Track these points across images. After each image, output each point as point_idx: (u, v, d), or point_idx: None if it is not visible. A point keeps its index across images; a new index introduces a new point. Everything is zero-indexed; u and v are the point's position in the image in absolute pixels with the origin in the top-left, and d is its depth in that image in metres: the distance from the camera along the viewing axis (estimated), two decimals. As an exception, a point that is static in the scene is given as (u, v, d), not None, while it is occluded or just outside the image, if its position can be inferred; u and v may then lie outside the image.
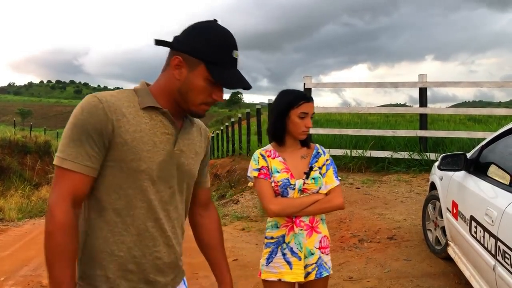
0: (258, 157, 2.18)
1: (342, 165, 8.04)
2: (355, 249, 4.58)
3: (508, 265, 2.45)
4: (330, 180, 2.19)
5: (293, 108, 2.12)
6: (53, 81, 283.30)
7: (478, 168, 3.34)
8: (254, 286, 3.97)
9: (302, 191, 2.13)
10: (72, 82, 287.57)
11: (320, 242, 2.19)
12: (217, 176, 13.75)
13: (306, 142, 2.24)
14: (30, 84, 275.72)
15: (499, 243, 2.59)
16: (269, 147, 2.24)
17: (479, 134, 7.86)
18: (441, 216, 4.02)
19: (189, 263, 4.67)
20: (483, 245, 2.87)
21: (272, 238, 2.19)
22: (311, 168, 2.17)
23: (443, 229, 4.02)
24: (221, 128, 22.65)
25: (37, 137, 20.89)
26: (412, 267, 4.00)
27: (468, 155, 3.58)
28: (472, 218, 3.09)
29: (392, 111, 12.21)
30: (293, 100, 2.13)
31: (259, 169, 2.16)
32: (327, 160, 2.23)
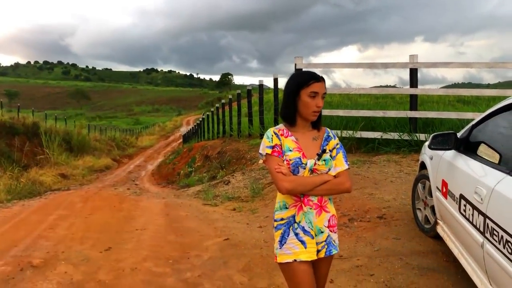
0: (272, 135, 2.18)
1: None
2: (345, 228, 4.62)
3: (496, 242, 2.49)
4: (340, 163, 2.21)
5: (303, 88, 2.13)
6: (40, 62, 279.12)
7: (468, 147, 3.36)
8: (245, 265, 4.00)
9: (312, 171, 2.15)
10: (60, 63, 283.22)
11: (329, 220, 2.22)
12: (208, 157, 13.75)
13: (317, 124, 2.25)
14: (17, 65, 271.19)
15: (487, 221, 2.62)
16: (281, 126, 2.24)
17: (468, 115, 7.90)
18: (431, 195, 4.06)
19: (181, 242, 4.70)
20: (472, 223, 2.90)
21: (282, 219, 2.20)
22: (323, 151, 2.19)
23: (432, 208, 4.06)
24: (212, 109, 22.56)
25: (25, 119, 20.64)
26: (401, 246, 4.05)
27: (459, 134, 3.60)
28: (462, 196, 3.12)
29: (383, 92, 12.21)
30: (303, 80, 2.15)
31: (272, 147, 2.16)
32: (337, 144, 2.26)
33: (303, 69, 8.72)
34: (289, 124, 2.22)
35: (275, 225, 2.24)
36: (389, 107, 12.03)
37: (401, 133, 8.02)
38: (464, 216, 3.06)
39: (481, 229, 2.72)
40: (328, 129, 2.30)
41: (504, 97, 5.51)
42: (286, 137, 2.18)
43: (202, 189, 8.33)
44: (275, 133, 2.19)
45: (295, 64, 8.67)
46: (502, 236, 2.41)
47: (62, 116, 37.86)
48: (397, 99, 17.17)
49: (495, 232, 2.51)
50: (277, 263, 2.22)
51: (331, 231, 2.22)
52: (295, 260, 2.14)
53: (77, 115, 74.11)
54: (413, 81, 8.19)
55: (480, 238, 2.74)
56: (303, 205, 2.16)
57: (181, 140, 36.06)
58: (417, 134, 7.88)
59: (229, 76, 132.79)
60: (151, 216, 6.02)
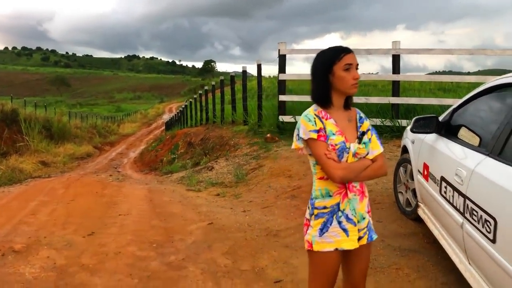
0: (314, 118, 2.05)
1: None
2: (328, 212, 4.67)
3: (475, 221, 2.54)
4: (376, 146, 2.14)
5: (336, 63, 2.03)
6: (19, 48, 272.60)
7: (449, 131, 3.41)
8: (229, 248, 4.02)
9: (354, 155, 2.07)
10: (39, 49, 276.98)
11: (368, 205, 2.18)
12: (191, 144, 13.70)
13: (349, 103, 2.15)
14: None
15: (467, 202, 2.68)
16: (317, 107, 2.11)
17: (449, 101, 8.01)
18: (412, 179, 4.12)
19: (164, 227, 4.70)
20: (452, 204, 2.96)
21: (325, 207, 2.08)
22: (363, 133, 2.11)
23: (413, 191, 4.12)
24: (195, 96, 22.42)
25: (4, 105, 20.18)
26: (383, 228, 4.12)
27: (440, 118, 3.65)
28: (443, 178, 3.18)
29: (367, 78, 12.28)
30: (333, 55, 2.05)
31: (317, 131, 2.03)
32: (370, 126, 2.18)
33: (287, 55, 8.73)
34: (324, 105, 2.09)
35: (315, 213, 2.09)
36: (371, 95, 12.12)
37: (383, 119, 8.11)
38: (445, 198, 3.12)
39: (461, 210, 2.78)
40: (357, 109, 2.21)
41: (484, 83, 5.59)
42: (326, 119, 2.06)
43: (186, 175, 8.31)
44: (317, 116, 2.05)
45: (279, 50, 8.66)
46: (481, 216, 2.47)
47: (41, 103, 37.19)
48: (379, 87, 17.28)
49: (474, 212, 2.57)
50: (309, 251, 2.13)
51: (370, 216, 2.19)
52: (336, 249, 2.06)
53: (57, 102, 72.90)
54: (396, 68, 8.27)
55: (460, 218, 2.80)
56: (348, 191, 2.07)
57: (163, 127, 35.82)
58: (399, 120, 7.98)
59: (212, 63, 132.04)
60: (134, 201, 6.00)
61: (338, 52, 2.06)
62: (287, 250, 3.95)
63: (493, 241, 2.32)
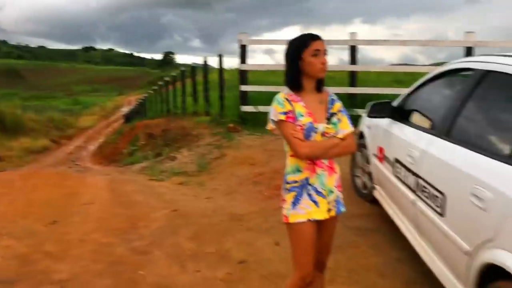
0: (283, 101, 2.21)
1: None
2: (290, 197, 4.82)
3: (426, 198, 2.74)
4: (346, 126, 2.28)
5: (305, 49, 2.17)
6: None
7: (403, 115, 3.61)
8: (194, 233, 4.10)
9: (323, 134, 2.23)
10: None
11: (337, 181, 2.34)
12: (152, 135, 13.57)
13: (321, 86, 2.30)
14: None
15: (419, 180, 2.87)
16: (288, 91, 2.26)
17: (403, 91, 8.29)
18: (368, 163, 4.32)
19: (128, 215, 4.72)
20: (405, 184, 3.16)
21: (295, 182, 2.25)
22: (332, 114, 2.26)
23: (369, 174, 4.33)
24: (155, 87, 22.16)
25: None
26: (341, 210, 4.29)
27: (394, 103, 3.85)
28: (396, 160, 3.37)
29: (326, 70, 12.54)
30: (302, 41, 2.20)
31: (286, 113, 2.19)
32: (341, 107, 2.33)
33: (248, 46, 8.82)
34: (296, 89, 2.25)
35: (287, 188, 2.28)
36: (329, 85, 12.37)
37: (341, 109, 8.34)
38: (399, 178, 3.31)
39: (413, 188, 2.97)
40: (330, 91, 2.37)
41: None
42: (295, 102, 2.22)
43: (147, 166, 8.28)
44: (287, 99, 2.21)
45: (240, 40, 8.73)
46: (430, 192, 2.66)
47: (-8, 97, 35.66)
48: (336, 79, 17.65)
49: (425, 189, 2.76)
50: (287, 224, 2.30)
51: (339, 191, 2.35)
52: (308, 220, 2.23)
53: (10, 94, 70.02)
54: (353, 58, 8.52)
55: (412, 196, 3.00)
56: (316, 167, 2.23)
57: (123, 120, 35.18)
58: (356, 110, 8.22)
59: (171, 55, 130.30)
60: (96, 191, 5.95)
61: (307, 39, 2.20)
62: (250, 233, 4.07)
63: (442, 215, 2.52)
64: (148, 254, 3.68)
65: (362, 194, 4.57)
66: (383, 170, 3.74)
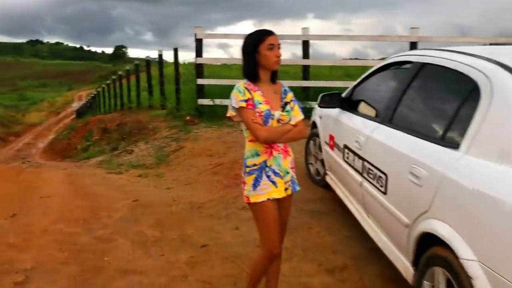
0: (243, 90, 2.43)
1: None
2: (248, 185, 5.05)
3: (372, 179, 3.03)
4: (297, 114, 2.56)
5: (260, 44, 2.41)
6: None
7: (351, 105, 3.90)
8: (156, 221, 4.24)
9: (278, 121, 2.47)
10: None
11: (291, 162, 2.60)
12: (107, 130, 13.47)
13: (275, 78, 2.55)
14: None
15: (365, 163, 3.16)
16: (247, 81, 2.49)
17: (353, 84, 8.73)
18: (321, 150, 4.60)
19: (90, 206, 4.80)
20: (353, 167, 3.45)
21: (255, 165, 2.48)
22: (286, 103, 2.53)
23: (322, 161, 4.61)
24: (108, 82, 21.77)
25: None
26: (296, 195, 4.46)
27: (343, 94, 4.14)
28: (345, 146, 3.66)
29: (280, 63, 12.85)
30: (258, 36, 2.44)
31: (246, 100, 2.41)
32: (293, 97, 2.60)
33: (203, 39, 8.95)
34: (253, 80, 2.48)
35: (247, 171, 2.50)
36: (284, 80, 12.71)
37: (295, 101, 8.65)
38: (347, 163, 3.60)
39: (360, 171, 3.26)
40: (283, 83, 2.63)
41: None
42: (254, 91, 2.44)
43: (105, 159, 8.28)
44: (246, 88, 2.44)
45: (195, 34, 8.85)
46: (375, 173, 2.95)
47: None
48: (291, 74, 18.04)
49: (370, 171, 3.05)
50: (249, 204, 2.52)
51: (293, 172, 2.62)
52: (268, 199, 2.46)
53: (-51, 90, 66.36)
54: (305, 53, 8.83)
55: (359, 178, 3.29)
56: (273, 151, 2.48)
57: (74, 116, 34.26)
58: (309, 102, 8.55)
59: (123, 49, 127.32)
60: (54, 185, 5.95)
61: (263, 34, 2.45)
62: (211, 219, 4.26)
63: (385, 193, 2.81)
64: (113, 242, 3.80)
65: (315, 180, 4.86)
66: (334, 156, 4.03)
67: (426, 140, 2.49)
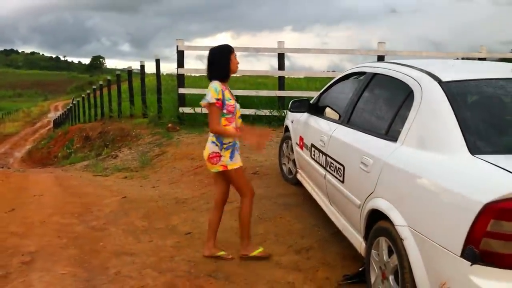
0: (220, 90, 3.35)
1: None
2: (227, 183, 5.55)
3: (332, 171, 3.58)
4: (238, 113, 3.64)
5: (231, 53, 3.45)
6: None
7: (317, 110, 4.47)
8: (144, 214, 4.71)
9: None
10: None
11: None
12: (88, 138, 13.78)
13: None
14: None
15: (328, 158, 3.71)
16: (219, 82, 3.40)
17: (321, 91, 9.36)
18: (292, 152, 5.15)
19: (81, 202, 5.22)
20: (318, 163, 3.99)
21: (230, 142, 3.44)
22: (237, 97, 3.66)
23: (293, 161, 5.15)
24: (88, 91, 22.00)
25: None
26: (271, 192, 5.09)
27: (311, 101, 4.70)
28: (312, 145, 4.21)
29: (256, 73, 13.43)
30: (230, 49, 3.48)
31: (218, 99, 3.33)
32: None
33: (184, 51, 9.48)
34: (226, 80, 3.46)
35: (225, 147, 3.43)
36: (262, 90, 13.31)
37: (271, 110, 9.23)
38: (314, 159, 4.15)
39: (324, 165, 3.81)
40: None
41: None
42: (224, 90, 3.40)
43: (90, 164, 8.66)
44: (222, 90, 3.36)
45: (177, 46, 9.37)
46: (335, 166, 3.50)
47: None
48: (269, 86, 18.73)
49: (331, 164, 3.60)
50: (226, 170, 3.47)
51: None
52: (240, 166, 3.52)
53: None
54: (281, 65, 9.44)
55: (323, 171, 3.83)
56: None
57: (50, 126, 34.16)
58: (285, 111, 9.13)
59: (101, 59, 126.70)
60: (44, 186, 6.33)
61: (231, 47, 3.53)
62: (194, 212, 4.75)
63: (343, 181, 3.36)
64: (106, 231, 4.25)
65: (288, 178, 5.39)
66: (303, 155, 4.57)
67: (374, 136, 3.06)
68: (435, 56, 9.93)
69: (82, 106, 22.78)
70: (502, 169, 2.03)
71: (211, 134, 3.47)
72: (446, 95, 2.56)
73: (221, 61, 3.42)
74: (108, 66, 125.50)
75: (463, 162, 2.24)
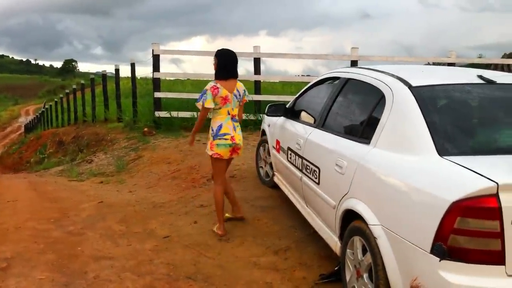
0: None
1: (190, 126, 8.97)
2: (204, 186, 5.60)
3: (308, 173, 3.67)
4: None
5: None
6: None
7: (293, 113, 4.56)
8: (121, 218, 4.71)
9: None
10: None
11: None
12: (62, 143, 13.58)
13: None
14: None
15: (304, 161, 3.81)
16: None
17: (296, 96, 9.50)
18: (269, 155, 5.23)
19: (58, 207, 5.19)
20: (295, 165, 4.08)
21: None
22: None
23: (270, 164, 5.24)
24: (61, 96, 21.65)
25: None
26: (248, 194, 5.16)
27: (287, 105, 4.80)
28: (289, 148, 4.30)
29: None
30: (229, 51, 4.21)
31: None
32: None
33: (160, 55, 9.48)
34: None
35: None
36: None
37: (248, 114, 9.31)
38: (291, 162, 4.24)
39: (300, 167, 3.90)
40: None
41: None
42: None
43: (65, 169, 8.56)
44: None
45: (153, 50, 9.36)
46: (311, 168, 3.60)
47: None
48: (248, 90, 18.87)
49: (307, 166, 3.70)
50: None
51: None
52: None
53: None
54: (257, 69, 9.54)
55: (299, 174, 3.92)
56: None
57: (21, 131, 33.41)
58: (261, 115, 9.22)
59: (73, 63, 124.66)
60: (18, 191, 6.24)
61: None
62: (171, 216, 4.77)
63: (318, 183, 3.46)
64: (83, 235, 4.24)
65: (265, 181, 5.47)
66: (280, 158, 4.66)
67: (348, 138, 3.17)
68: (406, 61, 10.20)
69: (54, 110, 22.38)
70: (468, 170, 2.15)
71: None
72: (416, 100, 2.69)
73: (227, 63, 4.18)
74: (81, 70, 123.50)
75: (432, 163, 2.36)
